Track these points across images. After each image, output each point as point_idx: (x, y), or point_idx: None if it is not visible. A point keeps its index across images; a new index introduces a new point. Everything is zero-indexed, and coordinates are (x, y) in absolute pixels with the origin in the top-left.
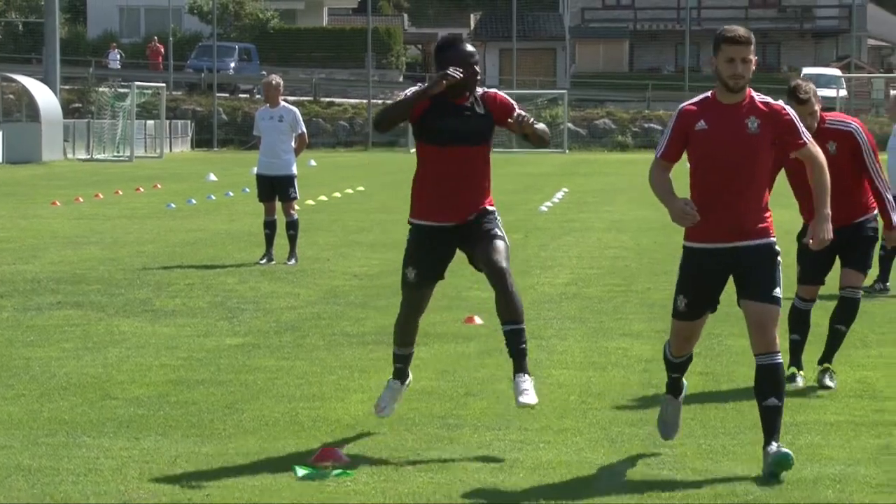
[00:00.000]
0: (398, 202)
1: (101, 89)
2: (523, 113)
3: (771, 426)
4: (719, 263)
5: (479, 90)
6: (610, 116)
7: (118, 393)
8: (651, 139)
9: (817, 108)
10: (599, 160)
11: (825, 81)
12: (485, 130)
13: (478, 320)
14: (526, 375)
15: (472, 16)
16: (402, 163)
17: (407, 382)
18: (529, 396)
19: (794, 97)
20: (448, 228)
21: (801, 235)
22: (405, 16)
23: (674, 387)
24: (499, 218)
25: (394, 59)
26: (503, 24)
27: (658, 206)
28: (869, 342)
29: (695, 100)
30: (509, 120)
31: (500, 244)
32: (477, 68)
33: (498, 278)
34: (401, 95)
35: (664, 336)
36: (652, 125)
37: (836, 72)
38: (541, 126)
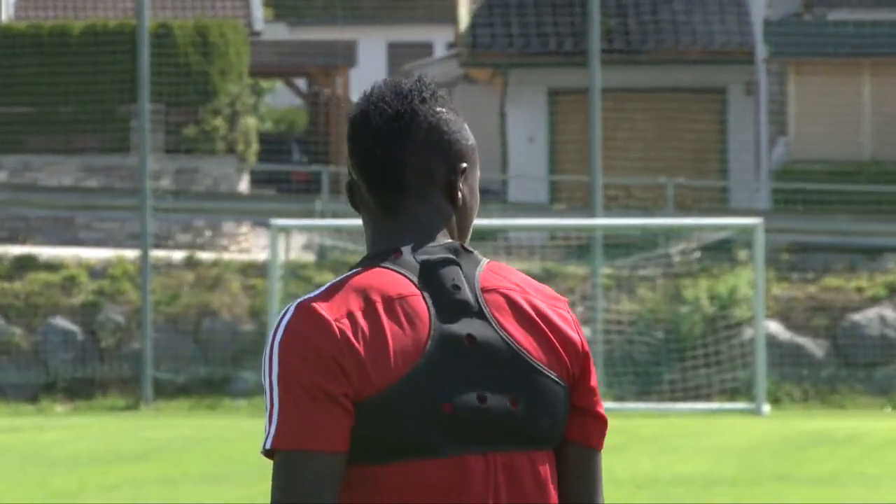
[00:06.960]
0: None
1: None
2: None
3: None
4: None
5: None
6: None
7: None
8: None
9: None
10: (861, 434)
11: None
12: None
13: None
14: None
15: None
16: (234, 447)
17: None
18: None
19: None
20: None
21: None
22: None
23: None
24: None
25: (219, 124)
26: (548, 25)
27: None
28: None
29: None
30: None
31: None
32: None
33: None
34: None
35: None
36: None
37: None
38: None
